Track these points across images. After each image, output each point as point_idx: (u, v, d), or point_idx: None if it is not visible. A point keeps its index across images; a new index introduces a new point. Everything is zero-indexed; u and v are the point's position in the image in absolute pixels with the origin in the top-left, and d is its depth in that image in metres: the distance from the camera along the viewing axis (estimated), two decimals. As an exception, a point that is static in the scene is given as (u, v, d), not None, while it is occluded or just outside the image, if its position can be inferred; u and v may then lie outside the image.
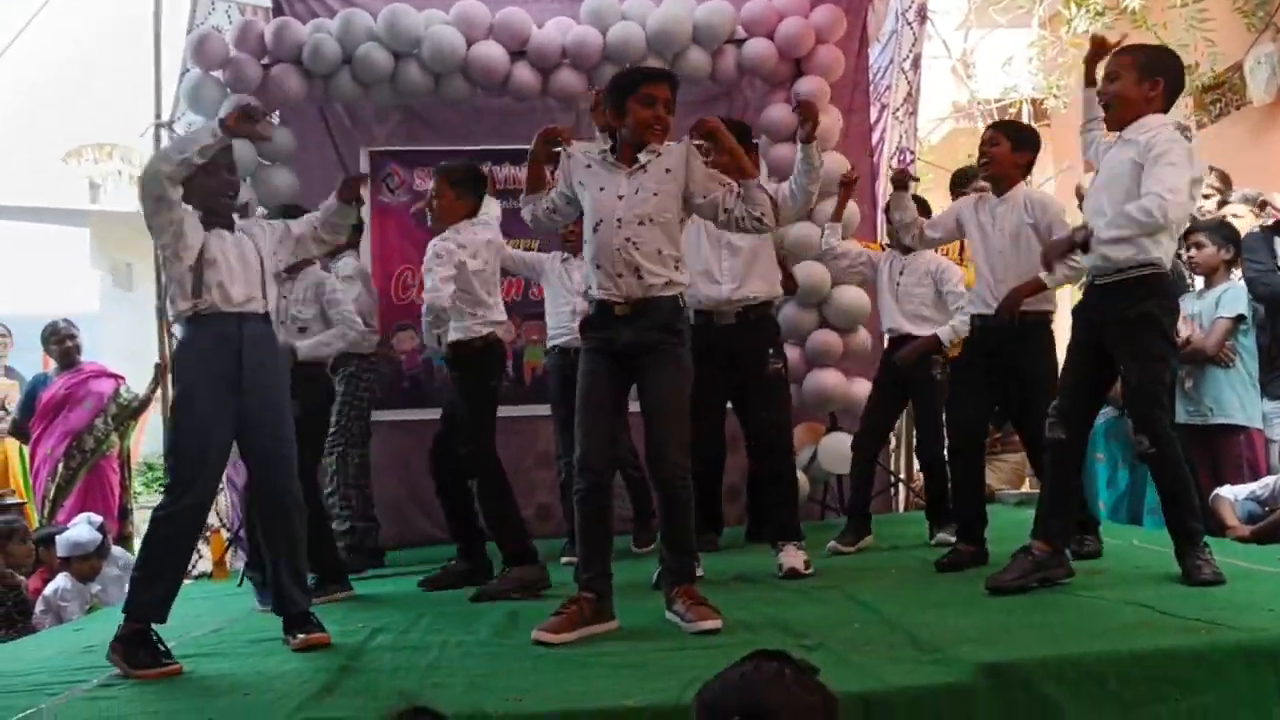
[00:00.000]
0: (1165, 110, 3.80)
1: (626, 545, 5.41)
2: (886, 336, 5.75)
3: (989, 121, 9.51)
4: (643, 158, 3.73)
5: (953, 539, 4.87)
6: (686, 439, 3.68)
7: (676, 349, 3.71)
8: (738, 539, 5.77)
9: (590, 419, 3.67)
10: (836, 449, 6.36)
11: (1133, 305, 3.75)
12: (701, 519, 4.20)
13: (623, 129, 3.75)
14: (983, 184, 4.77)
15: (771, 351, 4.85)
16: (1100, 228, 3.73)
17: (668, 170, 3.72)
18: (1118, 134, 3.86)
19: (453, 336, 4.58)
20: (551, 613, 3.55)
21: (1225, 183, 6.04)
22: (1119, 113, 3.83)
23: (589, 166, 3.78)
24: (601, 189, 3.72)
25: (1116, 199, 3.72)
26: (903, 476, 7.16)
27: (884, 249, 6.61)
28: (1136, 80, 3.78)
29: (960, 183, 5.68)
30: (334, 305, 5.08)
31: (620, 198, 3.69)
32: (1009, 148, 4.52)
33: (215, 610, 4.70)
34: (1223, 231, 5.56)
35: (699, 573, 4.11)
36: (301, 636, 3.63)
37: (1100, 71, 3.98)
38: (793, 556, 4.57)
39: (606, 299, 3.69)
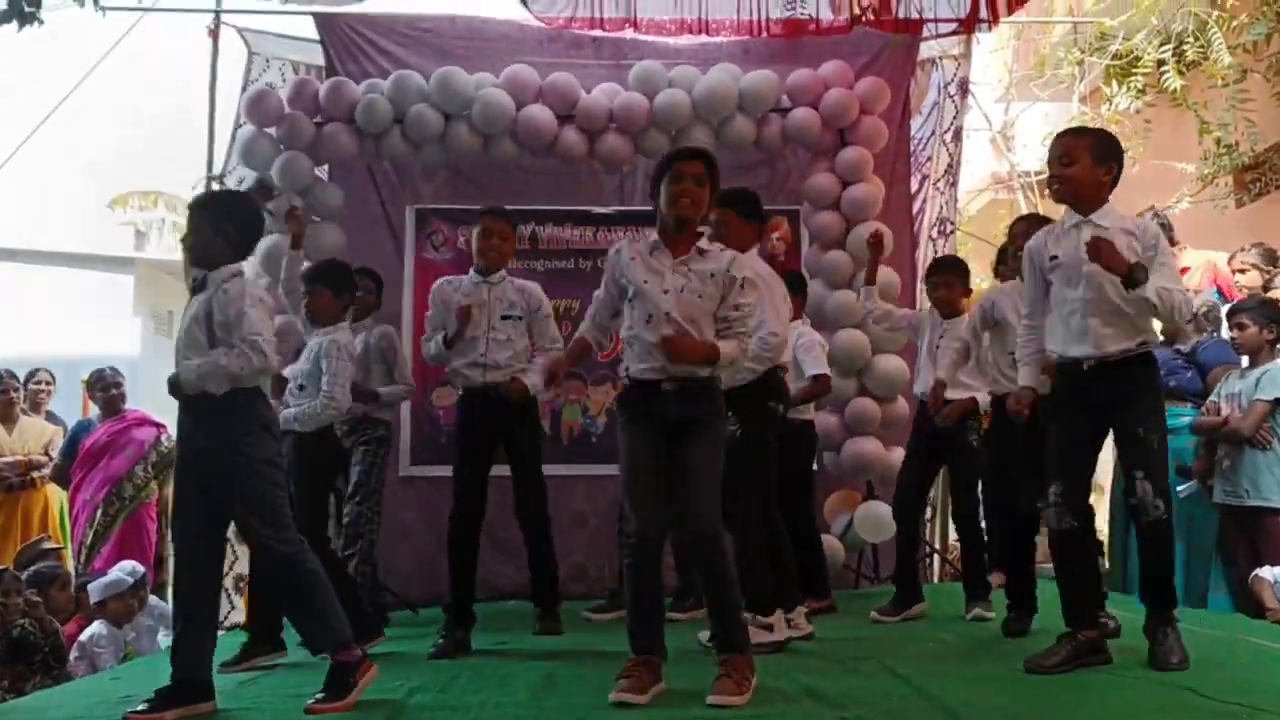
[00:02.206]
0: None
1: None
2: (918, 399, 5.72)
3: (1029, 194, 9.62)
4: (689, 256, 3.75)
5: (990, 614, 4.83)
6: (719, 505, 3.67)
7: (718, 424, 3.75)
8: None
9: (640, 488, 3.66)
10: (873, 517, 6.34)
11: (1148, 377, 3.90)
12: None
13: (662, 212, 3.80)
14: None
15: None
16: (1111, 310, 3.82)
17: (712, 275, 3.74)
18: (1077, 216, 3.92)
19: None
20: (620, 674, 3.53)
21: (1270, 260, 6.02)
22: (1074, 192, 3.92)
23: (634, 259, 3.79)
24: (646, 281, 3.73)
25: (1118, 287, 3.75)
26: (938, 547, 7.11)
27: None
28: (1092, 164, 3.88)
29: (1002, 260, 5.67)
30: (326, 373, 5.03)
31: (666, 292, 3.70)
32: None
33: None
34: (1265, 311, 5.55)
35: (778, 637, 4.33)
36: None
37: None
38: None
39: (654, 378, 3.70)
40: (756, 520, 4.47)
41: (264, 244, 6.14)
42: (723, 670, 3.52)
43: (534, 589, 5.05)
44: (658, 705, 3.45)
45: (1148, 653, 3.84)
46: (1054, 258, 3.93)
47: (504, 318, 4.89)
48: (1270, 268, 5.99)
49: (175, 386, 3.69)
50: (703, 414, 3.71)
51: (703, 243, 3.82)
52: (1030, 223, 4.82)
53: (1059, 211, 4.13)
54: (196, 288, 3.83)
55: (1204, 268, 6.77)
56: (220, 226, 3.81)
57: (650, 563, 3.64)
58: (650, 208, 3.93)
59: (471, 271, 5.02)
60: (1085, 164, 3.89)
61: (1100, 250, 3.69)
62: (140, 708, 3.46)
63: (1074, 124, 9.07)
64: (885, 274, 6.61)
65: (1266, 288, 5.92)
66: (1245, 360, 5.62)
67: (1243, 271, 5.99)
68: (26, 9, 5.20)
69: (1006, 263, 5.16)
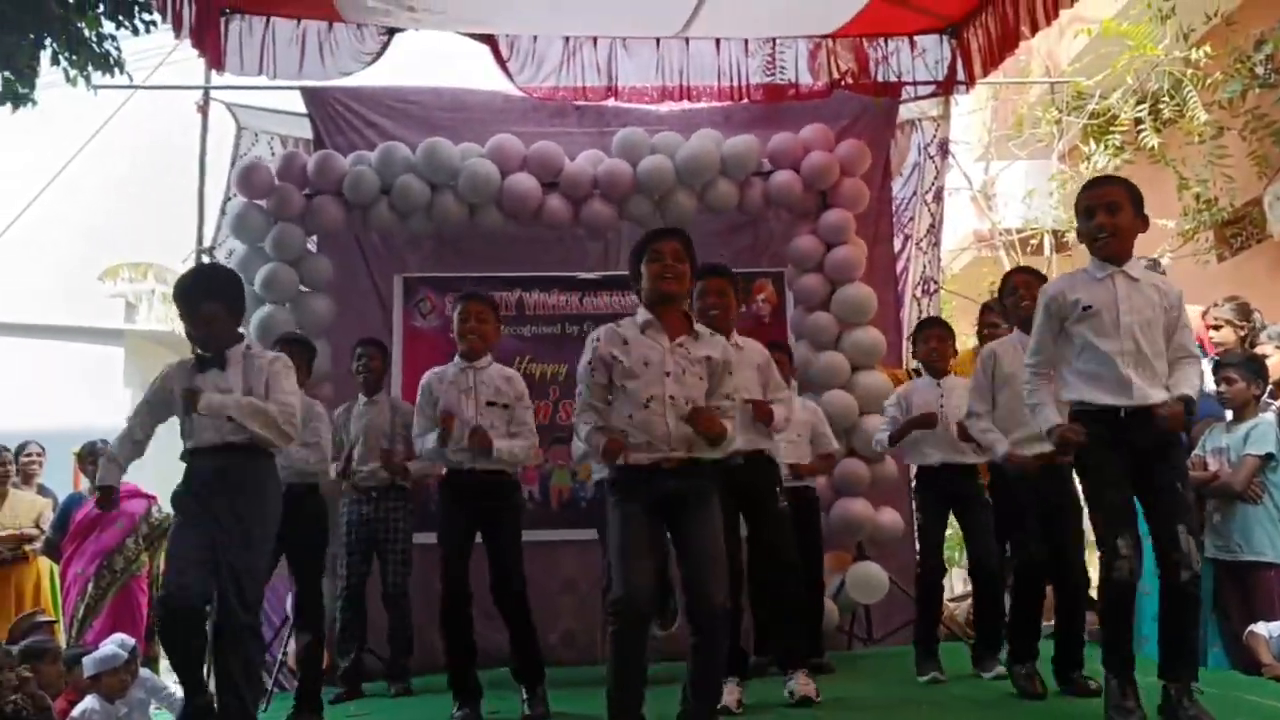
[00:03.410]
0: None
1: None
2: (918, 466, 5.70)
3: (1011, 251, 9.72)
4: (686, 338, 3.78)
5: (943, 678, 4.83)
6: (728, 583, 3.70)
7: (713, 495, 3.75)
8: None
9: (633, 558, 3.64)
10: (865, 577, 6.34)
11: (1175, 434, 3.84)
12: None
13: (645, 292, 3.85)
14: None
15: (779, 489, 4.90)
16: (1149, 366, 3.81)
17: (708, 359, 3.79)
18: (1108, 266, 3.89)
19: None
20: None
21: (1244, 315, 6.06)
22: (1119, 244, 3.88)
23: (626, 343, 3.78)
24: (646, 364, 3.73)
25: (1152, 337, 3.81)
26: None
27: (909, 374, 6.71)
28: (1134, 214, 3.89)
29: (990, 312, 5.70)
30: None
31: (668, 374, 3.72)
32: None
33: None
34: (1252, 366, 5.59)
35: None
36: None
37: None
38: (804, 685, 4.60)
39: (651, 464, 3.69)
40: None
41: (259, 314, 6.25)
42: None
43: (518, 669, 4.89)
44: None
45: (1169, 715, 3.71)
46: (1087, 307, 3.84)
47: (489, 404, 4.84)
48: (1244, 322, 6.01)
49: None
50: (703, 487, 3.72)
51: (697, 325, 3.86)
52: (1029, 274, 4.85)
53: (1045, 267, 4.15)
54: (207, 364, 3.90)
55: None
56: (234, 309, 3.98)
57: (637, 632, 3.61)
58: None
59: (456, 358, 5.02)
60: (1129, 213, 3.88)
61: (1171, 419, 3.73)
62: None
63: (1054, 182, 9.24)
64: (870, 334, 6.70)
65: (1242, 342, 5.96)
66: (1229, 414, 5.66)
67: (1217, 327, 6.02)
68: (21, 91, 5.29)
69: (1004, 313, 5.12)
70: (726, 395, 3.80)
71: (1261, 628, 5.08)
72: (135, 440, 4.09)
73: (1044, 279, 4.37)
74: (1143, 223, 3.92)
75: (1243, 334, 5.97)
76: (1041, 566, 4.59)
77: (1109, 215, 3.86)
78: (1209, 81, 8.21)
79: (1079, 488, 4.10)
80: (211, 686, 3.94)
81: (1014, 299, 4.78)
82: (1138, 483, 3.82)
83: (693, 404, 3.70)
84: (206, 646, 3.89)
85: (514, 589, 4.78)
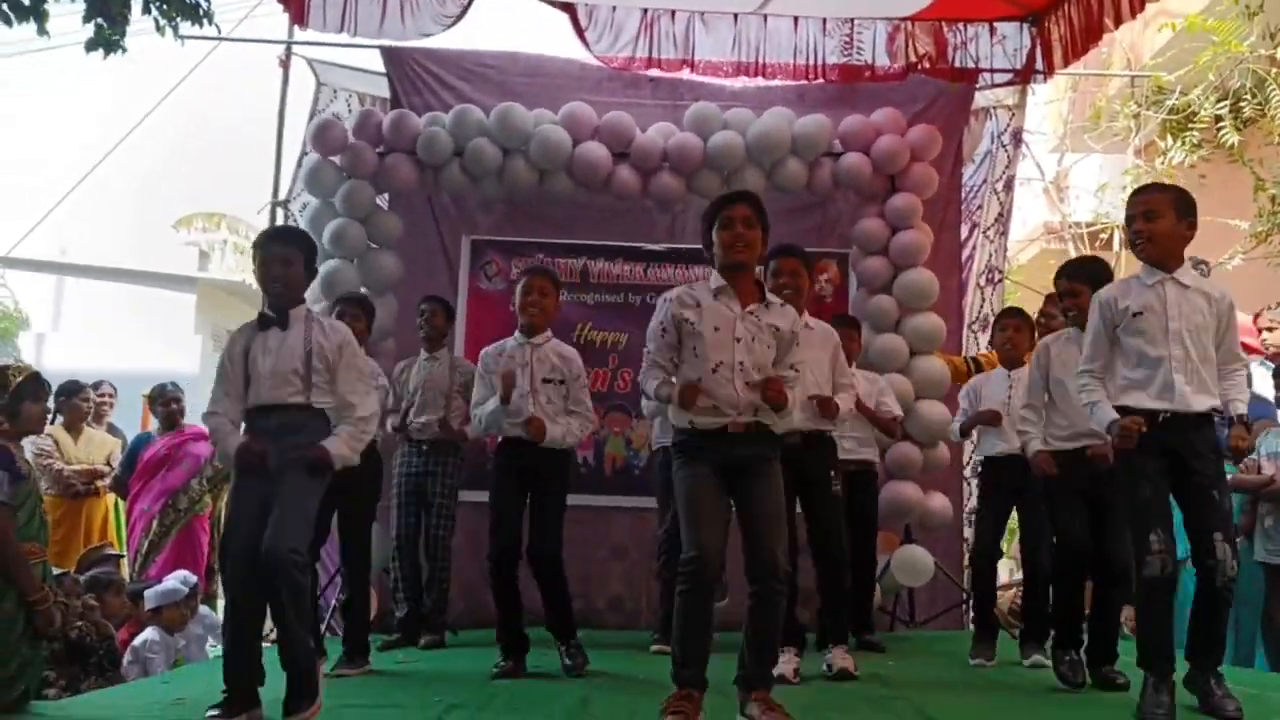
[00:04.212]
0: None
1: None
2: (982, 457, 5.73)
3: (1080, 244, 9.63)
4: (757, 306, 3.81)
5: (1047, 662, 4.84)
6: (787, 545, 3.76)
7: (775, 462, 3.79)
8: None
9: (704, 519, 3.67)
10: (910, 560, 6.38)
11: (1214, 437, 3.89)
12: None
13: (717, 259, 3.87)
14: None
15: (834, 473, 5.00)
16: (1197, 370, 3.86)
17: (777, 329, 3.82)
18: (1159, 273, 3.92)
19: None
20: (665, 709, 3.53)
21: None
22: (1161, 249, 3.92)
23: (698, 305, 3.82)
24: (716, 329, 3.77)
25: (1201, 343, 3.86)
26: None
27: (967, 363, 6.72)
28: (1176, 220, 3.91)
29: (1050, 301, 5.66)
30: None
31: (738, 340, 3.75)
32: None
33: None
34: (1312, 371, 5.56)
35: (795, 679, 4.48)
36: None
37: None
38: (843, 659, 4.72)
39: (718, 429, 3.73)
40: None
41: (326, 268, 6.37)
42: (763, 706, 3.57)
43: (551, 625, 4.97)
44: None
45: (1200, 702, 3.81)
46: (1137, 314, 3.89)
47: (545, 380, 4.93)
48: (1296, 323, 5.98)
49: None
50: (767, 458, 3.77)
51: (769, 295, 3.90)
52: (1071, 279, 4.70)
53: (1114, 262, 4.16)
54: (269, 322, 3.94)
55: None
56: (309, 266, 4.01)
57: (707, 587, 3.64)
58: (699, 245, 4.00)
59: (516, 333, 5.09)
60: (1170, 220, 3.90)
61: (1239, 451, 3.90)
62: None
63: (1129, 177, 9.14)
64: (930, 320, 6.70)
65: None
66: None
67: (1270, 330, 5.97)
68: (112, 38, 5.42)
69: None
70: (792, 366, 3.85)
71: (1307, 632, 5.07)
72: (214, 407, 3.98)
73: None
74: (1188, 229, 3.93)
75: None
76: (1081, 554, 4.60)
77: (1146, 222, 3.91)
78: (1293, 82, 8.09)
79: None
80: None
81: (1060, 305, 4.81)
82: (1175, 486, 3.87)
83: (761, 371, 3.74)
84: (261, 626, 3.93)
85: (549, 551, 4.88)
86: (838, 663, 4.72)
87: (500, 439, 5.04)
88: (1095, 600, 4.67)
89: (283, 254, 3.95)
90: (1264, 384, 5.83)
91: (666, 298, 3.90)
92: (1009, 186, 7.57)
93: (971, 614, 6.16)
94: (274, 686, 3.71)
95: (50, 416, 4.48)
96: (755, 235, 3.83)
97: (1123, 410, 3.88)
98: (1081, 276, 4.63)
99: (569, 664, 4.84)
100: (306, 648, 3.72)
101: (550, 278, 5.17)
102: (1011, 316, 5.58)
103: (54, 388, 5.02)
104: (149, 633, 5.75)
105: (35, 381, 4.12)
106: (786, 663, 4.57)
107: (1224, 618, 3.90)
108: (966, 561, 6.98)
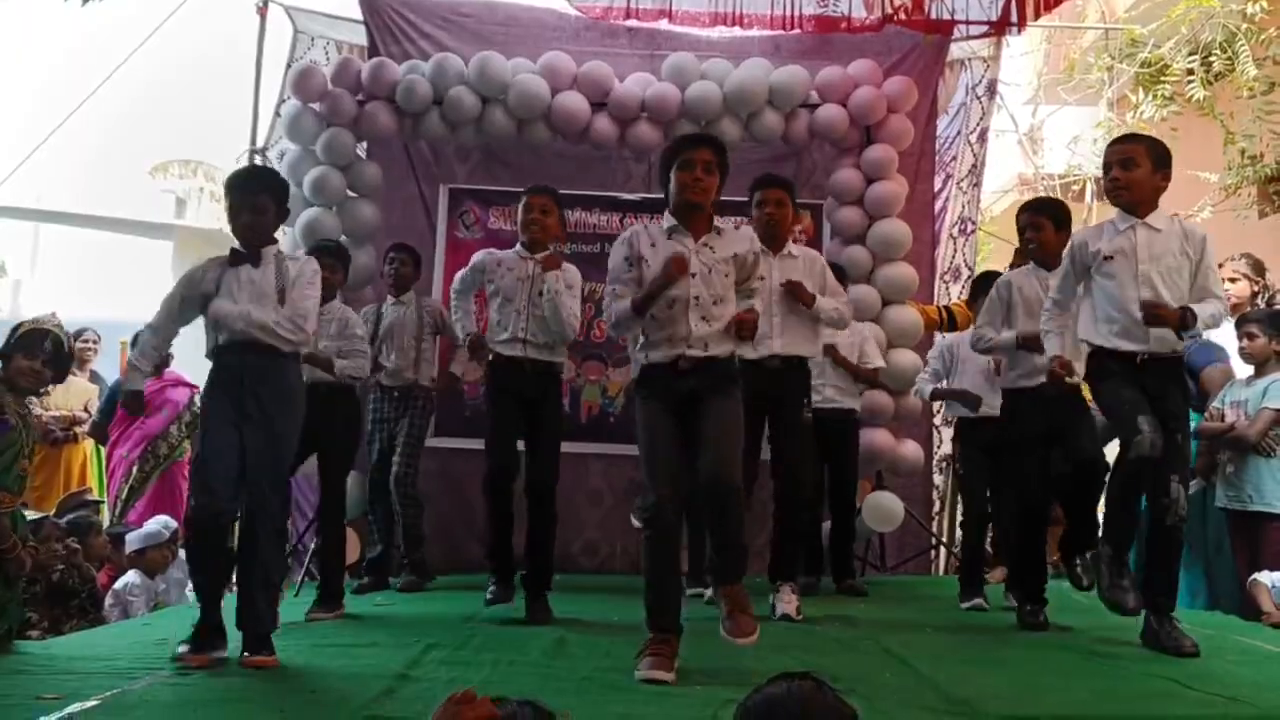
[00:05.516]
0: None
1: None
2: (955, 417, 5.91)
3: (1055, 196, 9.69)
4: (708, 236, 3.89)
5: (987, 606, 4.98)
6: (740, 462, 3.79)
7: (734, 391, 3.86)
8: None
9: (660, 467, 3.75)
10: (881, 507, 6.49)
11: (1182, 376, 4.14)
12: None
13: (671, 198, 3.93)
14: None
15: (806, 400, 5.09)
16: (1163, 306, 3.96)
17: (734, 255, 3.91)
18: (1131, 218, 4.09)
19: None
20: (642, 651, 3.57)
21: (1259, 270, 6.14)
22: (1136, 197, 4.08)
23: (654, 245, 3.92)
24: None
25: (1173, 283, 4.00)
26: (944, 539, 7.27)
27: (940, 311, 6.81)
28: (1152, 170, 4.07)
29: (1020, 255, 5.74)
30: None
31: (693, 275, 3.82)
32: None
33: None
34: (1276, 322, 5.66)
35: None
36: (251, 656, 3.72)
37: None
38: (787, 601, 4.80)
39: (670, 362, 3.84)
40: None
41: (305, 216, 6.40)
42: (731, 605, 3.63)
43: (529, 571, 4.89)
44: (682, 683, 3.49)
45: (1151, 640, 4.02)
46: (1109, 257, 4.06)
47: (542, 294, 4.96)
48: (1259, 278, 6.10)
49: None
50: (721, 385, 3.83)
51: (717, 222, 3.96)
52: (1033, 213, 4.89)
53: (1086, 213, 4.30)
54: (241, 259, 3.96)
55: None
56: (280, 209, 4.04)
57: (669, 533, 3.72)
58: None
59: (517, 246, 5.10)
60: (1146, 169, 4.07)
61: (1159, 316, 3.91)
62: None
63: (1101, 129, 9.20)
64: (903, 270, 6.78)
65: (1254, 297, 6.05)
66: (1250, 369, 5.74)
67: (1232, 280, 6.09)
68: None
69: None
70: (760, 277, 3.99)
71: (1265, 576, 5.21)
72: (156, 328, 4.05)
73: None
74: (1163, 179, 4.08)
75: (1256, 289, 6.07)
76: (1042, 505, 4.76)
77: (1123, 170, 4.07)
78: (1262, 37, 8.14)
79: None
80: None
81: (1022, 239, 4.93)
82: None
83: (721, 302, 3.83)
84: (230, 565, 4.01)
85: (548, 481, 4.92)
86: (781, 605, 4.79)
87: (493, 359, 5.04)
88: (1072, 501, 4.75)
89: (253, 200, 3.98)
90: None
91: (622, 238, 4.00)
92: (983, 138, 7.63)
93: (955, 568, 6.28)
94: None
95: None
96: (713, 181, 3.89)
97: (1102, 351, 4.06)
98: (1045, 211, 4.83)
99: (531, 619, 4.72)
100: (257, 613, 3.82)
101: (551, 195, 5.18)
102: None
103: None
104: (130, 576, 5.82)
105: (28, 336, 4.13)
106: (788, 602, 4.75)
107: (1176, 560, 4.07)
108: (936, 509, 7.14)
